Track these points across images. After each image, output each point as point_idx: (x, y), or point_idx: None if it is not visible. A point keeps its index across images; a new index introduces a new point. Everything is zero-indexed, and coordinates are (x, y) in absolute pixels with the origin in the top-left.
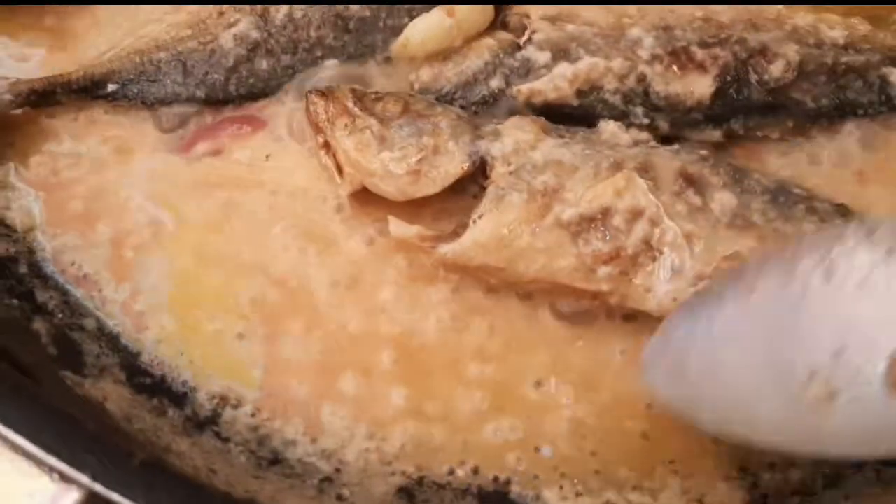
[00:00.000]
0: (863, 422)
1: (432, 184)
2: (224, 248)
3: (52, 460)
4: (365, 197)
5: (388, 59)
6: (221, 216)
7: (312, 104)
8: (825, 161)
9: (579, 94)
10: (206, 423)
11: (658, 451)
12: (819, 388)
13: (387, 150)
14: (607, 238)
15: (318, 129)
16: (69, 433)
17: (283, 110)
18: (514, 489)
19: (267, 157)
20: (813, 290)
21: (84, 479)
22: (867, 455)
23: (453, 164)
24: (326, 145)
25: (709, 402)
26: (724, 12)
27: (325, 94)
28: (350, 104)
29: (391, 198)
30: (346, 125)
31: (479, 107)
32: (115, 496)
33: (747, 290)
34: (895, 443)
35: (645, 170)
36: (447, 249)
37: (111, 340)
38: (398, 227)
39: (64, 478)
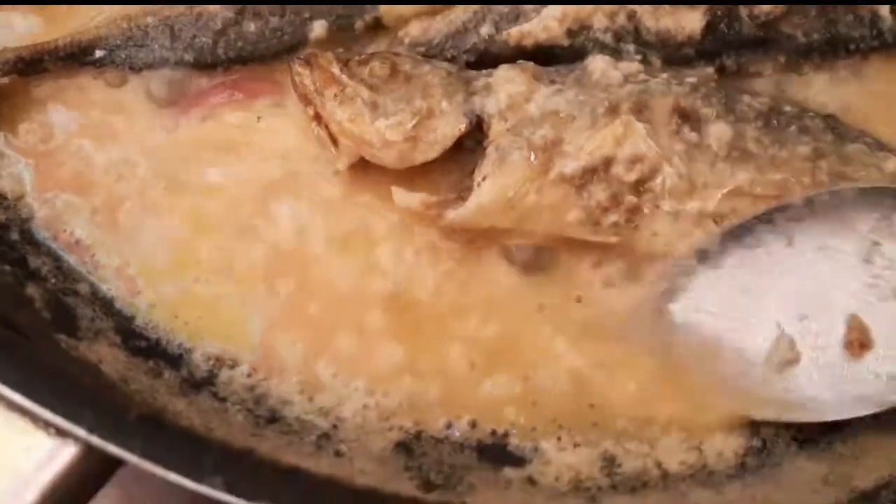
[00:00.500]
0: (824, 384)
1: (432, 148)
2: (218, 211)
3: (48, 414)
4: (361, 164)
5: (376, 19)
6: (214, 180)
7: (297, 75)
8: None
9: (570, 33)
10: (202, 384)
11: (655, 401)
12: (784, 353)
13: (381, 117)
14: (610, 187)
15: (306, 100)
16: (65, 389)
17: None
18: (513, 441)
19: (259, 119)
20: (776, 253)
21: (81, 432)
22: (830, 417)
23: (450, 126)
24: (318, 116)
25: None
26: None
27: (310, 62)
28: (337, 71)
29: (391, 166)
30: (335, 95)
31: (470, 55)
32: (112, 448)
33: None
34: (857, 404)
35: (639, 110)
36: (454, 215)
37: (105, 304)
38: (402, 197)
39: (60, 432)
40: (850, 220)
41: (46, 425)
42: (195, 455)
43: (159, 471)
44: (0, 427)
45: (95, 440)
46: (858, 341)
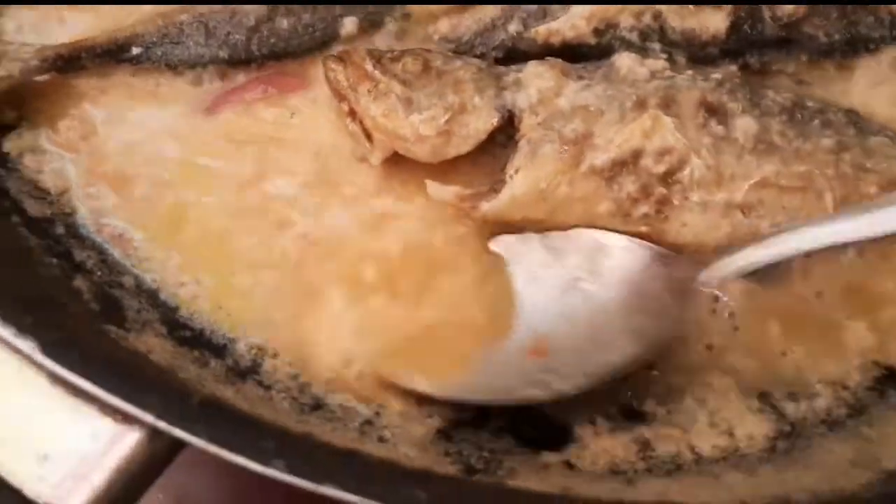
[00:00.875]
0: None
1: (465, 142)
2: (255, 204)
3: (116, 400)
4: (394, 159)
5: (406, 16)
6: (251, 173)
7: (331, 71)
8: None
9: (596, 32)
10: (247, 373)
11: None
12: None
13: (414, 112)
14: (640, 179)
15: (340, 96)
16: (129, 376)
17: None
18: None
19: (292, 115)
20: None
21: (149, 417)
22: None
23: (482, 121)
24: (352, 112)
25: None
26: None
27: (343, 59)
28: (370, 68)
29: (425, 160)
30: (369, 91)
31: (498, 51)
32: (178, 432)
33: None
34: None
35: (667, 105)
36: (488, 207)
37: (150, 296)
38: (437, 190)
39: (125, 418)
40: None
41: (113, 411)
42: (257, 439)
43: (225, 454)
44: (67, 413)
45: (163, 425)
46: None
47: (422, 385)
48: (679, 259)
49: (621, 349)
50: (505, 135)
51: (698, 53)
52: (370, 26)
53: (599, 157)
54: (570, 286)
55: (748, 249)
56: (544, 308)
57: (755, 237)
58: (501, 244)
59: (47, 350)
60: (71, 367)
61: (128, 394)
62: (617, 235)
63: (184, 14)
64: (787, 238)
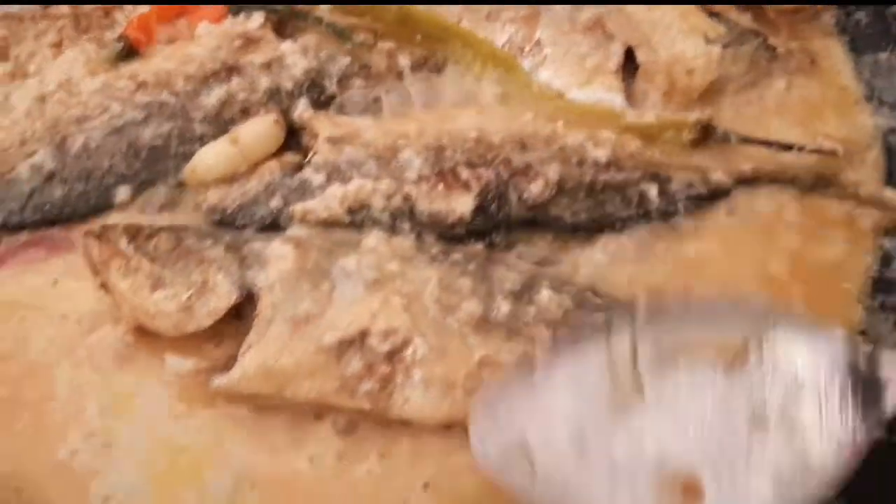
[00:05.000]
0: None
1: (203, 319)
2: (11, 373)
3: None
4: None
5: (179, 184)
6: (11, 342)
7: (87, 247)
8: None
9: (350, 211)
10: None
11: None
12: None
13: (160, 289)
14: (366, 358)
15: (95, 270)
16: None
17: (77, 238)
18: None
19: (55, 282)
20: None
21: None
22: None
23: (222, 298)
24: (105, 284)
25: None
26: (496, 133)
27: (100, 234)
28: (123, 245)
29: (167, 334)
30: (119, 267)
31: (259, 224)
32: None
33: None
34: None
35: (402, 286)
36: (218, 382)
37: None
38: (175, 363)
39: None
40: None
41: None
42: None
43: None
44: None
45: None
46: None
47: None
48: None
49: (819, 473)
50: (252, 307)
51: (446, 233)
52: (142, 194)
53: (327, 336)
54: (719, 388)
55: None
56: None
57: None
58: None
59: None
60: None
61: None
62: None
63: None
64: None
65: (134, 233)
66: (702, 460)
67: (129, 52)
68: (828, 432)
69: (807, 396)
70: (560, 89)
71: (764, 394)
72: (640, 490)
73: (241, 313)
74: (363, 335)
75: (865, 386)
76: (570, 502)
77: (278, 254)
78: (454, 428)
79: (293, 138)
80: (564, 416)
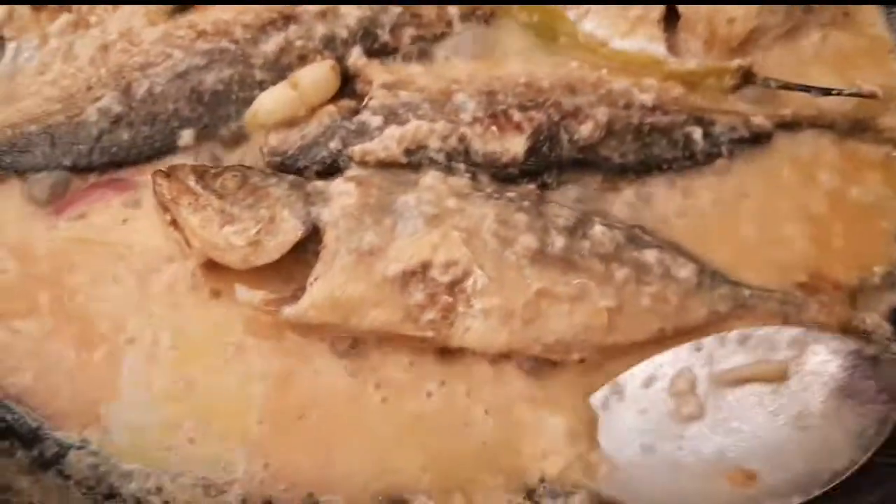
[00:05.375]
0: None
1: (271, 252)
2: (85, 306)
3: None
4: (214, 263)
5: (240, 128)
6: (85, 278)
7: (158, 185)
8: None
9: (407, 152)
10: (50, 463)
11: None
12: None
13: (228, 224)
14: (428, 288)
15: (165, 207)
16: None
17: (143, 179)
18: None
19: (124, 221)
20: None
21: None
22: None
23: (289, 233)
24: (174, 222)
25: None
26: (546, 78)
27: (169, 174)
28: (192, 183)
29: (236, 267)
30: (189, 203)
31: (319, 166)
32: None
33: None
34: None
35: (460, 221)
36: (288, 312)
37: None
38: (244, 294)
39: None
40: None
41: None
42: None
43: None
44: None
45: None
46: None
47: None
48: (886, 358)
49: (844, 456)
50: (315, 243)
51: (500, 173)
52: (206, 138)
53: (391, 267)
54: (766, 400)
55: None
56: (741, 430)
57: (536, 342)
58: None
59: None
60: None
61: None
62: (820, 334)
63: (32, 125)
64: None
65: (202, 172)
66: (754, 453)
67: (185, 3)
68: (856, 414)
69: (836, 392)
70: (604, 39)
71: (804, 398)
72: (700, 480)
73: (303, 248)
74: (425, 267)
75: (881, 364)
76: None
77: (341, 190)
78: (510, 358)
79: (347, 85)
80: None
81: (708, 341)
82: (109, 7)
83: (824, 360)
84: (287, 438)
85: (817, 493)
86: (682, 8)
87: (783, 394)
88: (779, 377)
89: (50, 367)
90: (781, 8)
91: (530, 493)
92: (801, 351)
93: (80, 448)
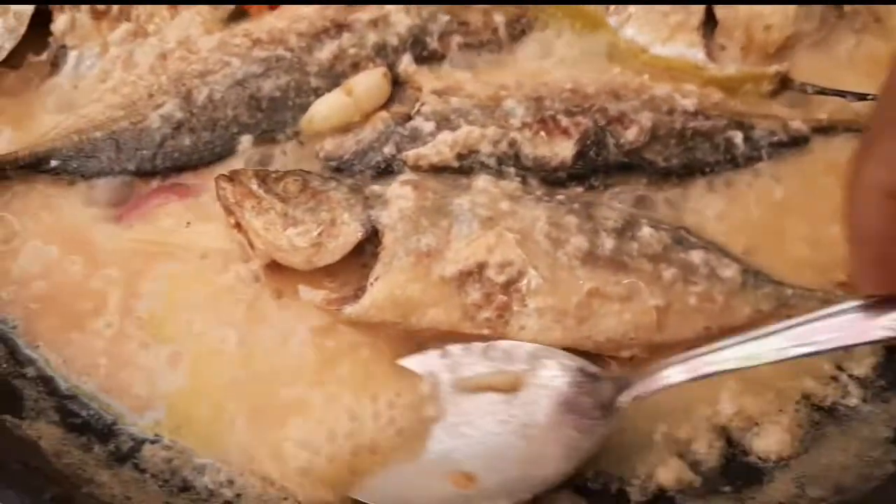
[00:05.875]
0: None
1: (333, 253)
2: (150, 308)
3: None
4: (276, 264)
5: (297, 133)
6: (150, 282)
7: (221, 189)
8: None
9: (459, 156)
10: (126, 457)
11: None
12: None
13: (291, 226)
14: (484, 288)
15: (228, 210)
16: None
17: (205, 183)
18: None
19: (188, 224)
20: None
21: None
22: None
23: (349, 235)
24: (238, 224)
25: None
26: (590, 84)
27: (232, 178)
28: (254, 187)
29: (298, 268)
30: (252, 207)
31: (374, 170)
32: None
33: None
34: None
35: (513, 223)
36: (350, 310)
37: (49, 385)
38: (307, 293)
39: None
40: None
41: None
42: None
43: None
44: None
45: None
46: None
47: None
48: (603, 377)
49: (555, 466)
50: (374, 245)
51: (549, 177)
52: (263, 143)
53: (448, 268)
54: (498, 409)
55: (665, 372)
56: (470, 435)
57: (588, 340)
58: (413, 362)
59: None
60: None
61: None
62: (549, 349)
63: (97, 131)
64: (703, 360)
65: (263, 176)
66: (478, 457)
67: (240, 12)
68: (572, 428)
69: (559, 406)
70: (644, 45)
71: (532, 409)
72: (425, 478)
73: (364, 250)
74: (481, 267)
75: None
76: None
77: (398, 194)
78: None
79: (397, 91)
80: None
81: (454, 349)
82: (167, 16)
83: (553, 375)
84: None
85: (526, 497)
86: (720, 15)
87: (514, 404)
88: (512, 388)
89: (121, 364)
90: (817, 15)
91: None
92: (535, 364)
93: (153, 442)
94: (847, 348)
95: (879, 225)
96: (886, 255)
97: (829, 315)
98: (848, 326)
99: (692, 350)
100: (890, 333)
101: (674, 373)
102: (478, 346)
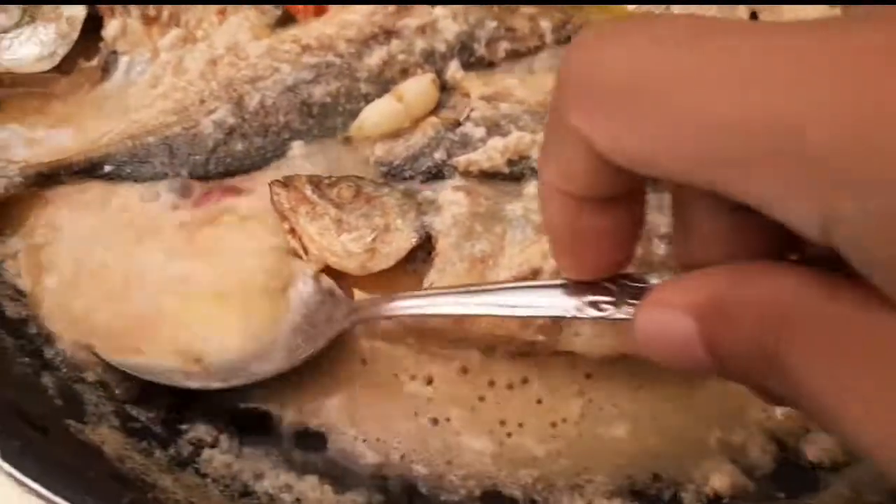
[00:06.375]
0: None
1: (387, 259)
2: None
3: (60, 500)
4: (329, 270)
5: (347, 139)
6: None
7: (276, 194)
8: None
9: (510, 162)
10: (187, 462)
11: None
12: None
13: (345, 232)
14: None
15: (282, 216)
16: (77, 476)
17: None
18: None
19: (241, 227)
20: None
21: None
22: None
23: (403, 240)
24: (292, 230)
25: None
26: None
27: (286, 184)
28: (309, 192)
29: (353, 273)
30: (307, 212)
31: (425, 175)
32: None
33: None
34: None
35: None
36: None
37: (107, 390)
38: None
39: None
40: None
41: None
42: None
43: None
44: None
45: None
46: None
47: None
48: (342, 300)
49: (276, 363)
50: (426, 251)
51: None
52: (314, 149)
53: (503, 274)
54: None
55: (391, 304)
56: None
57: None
58: None
59: (7, 457)
60: (25, 472)
61: (70, 496)
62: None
63: (150, 136)
64: (424, 301)
65: (317, 182)
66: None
67: (287, 18)
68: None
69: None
70: None
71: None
72: None
73: (416, 256)
74: (535, 274)
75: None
76: None
77: (451, 200)
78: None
79: (444, 97)
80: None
81: None
82: (215, 21)
83: (307, 289)
84: None
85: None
86: (764, 19)
87: None
88: None
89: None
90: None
91: None
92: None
93: (212, 447)
94: (539, 317)
95: (558, 219)
96: (569, 246)
97: (540, 286)
98: (549, 301)
99: (417, 291)
100: (577, 314)
101: (397, 306)
102: None
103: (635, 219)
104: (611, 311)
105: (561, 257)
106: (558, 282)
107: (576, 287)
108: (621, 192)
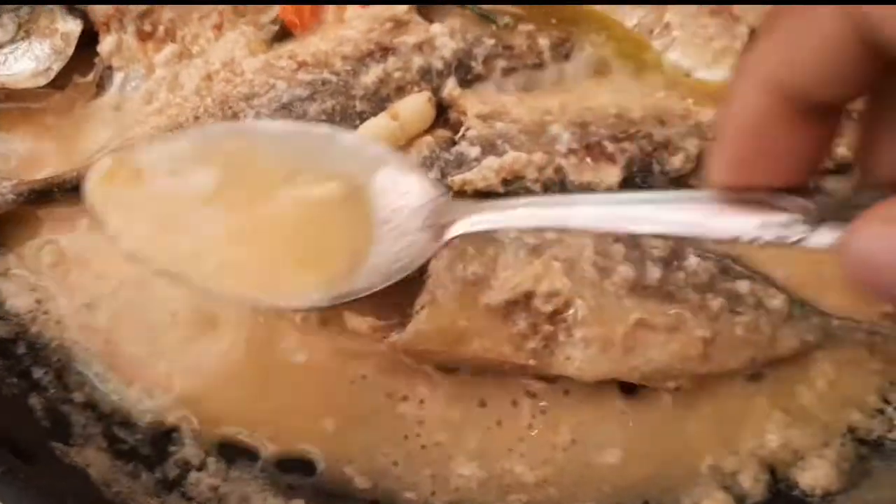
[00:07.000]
0: None
1: None
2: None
3: None
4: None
5: None
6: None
7: None
8: None
9: (505, 182)
10: (173, 485)
11: None
12: None
13: None
14: (531, 318)
15: None
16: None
17: None
18: None
19: None
20: None
21: None
22: None
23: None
24: None
25: None
26: (635, 110)
27: None
28: None
29: None
30: None
31: None
32: None
33: None
34: None
35: (560, 251)
36: (396, 338)
37: (96, 409)
38: (353, 321)
39: None
40: None
41: None
42: None
43: None
44: None
45: None
46: None
47: None
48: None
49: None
50: (418, 272)
51: None
52: None
53: (495, 298)
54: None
55: (493, 214)
56: None
57: (634, 371)
58: None
59: None
60: (5, 500)
61: None
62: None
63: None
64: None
65: None
66: None
67: (284, 33)
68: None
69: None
70: (688, 69)
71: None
72: None
73: (410, 279)
74: (528, 297)
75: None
76: None
77: None
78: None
79: (440, 115)
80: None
81: None
82: (212, 37)
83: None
84: None
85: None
86: None
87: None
88: None
89: None
90: None
91: None
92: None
93: (199, 470)
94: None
95: (748, 120)
96: (747, 151)
97: (683, 199)
98: (700, 218)
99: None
100: (761, 235)
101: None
102: None
103: (826, 142)
104: (803, 231)
105: (726, 162)
106: (708, 194)
107: (742, 202)
108: (842, 99)
